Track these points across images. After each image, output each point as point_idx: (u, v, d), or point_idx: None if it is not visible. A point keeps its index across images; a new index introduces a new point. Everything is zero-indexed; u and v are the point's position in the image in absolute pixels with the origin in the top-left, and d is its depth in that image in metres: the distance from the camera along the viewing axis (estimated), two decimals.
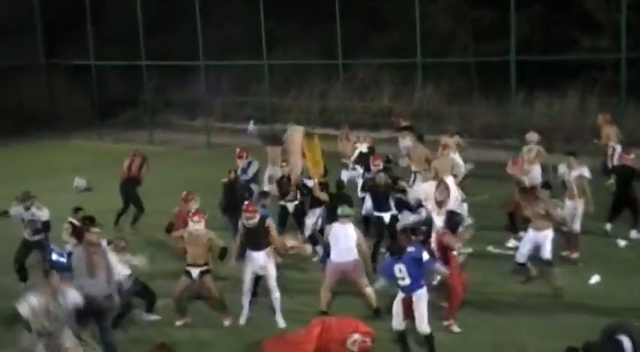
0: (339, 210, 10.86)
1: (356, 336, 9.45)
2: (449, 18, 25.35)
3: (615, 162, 15.32)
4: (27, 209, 12.29)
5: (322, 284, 10.69)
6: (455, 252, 10.38)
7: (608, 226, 13.67)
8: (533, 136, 15.48)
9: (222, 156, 21.78)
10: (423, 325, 9.12)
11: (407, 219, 12.66)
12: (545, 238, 11.18)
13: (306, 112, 27.71)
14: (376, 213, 12.67)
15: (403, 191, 13.11)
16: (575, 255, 12.46)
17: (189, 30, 25.68)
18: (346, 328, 9.65)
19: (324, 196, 12.96)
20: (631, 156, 13.84)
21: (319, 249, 12.84)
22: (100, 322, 9.31)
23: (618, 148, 16.28)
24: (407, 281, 9.07)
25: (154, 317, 10.87)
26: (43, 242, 12.34)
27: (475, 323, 10.33)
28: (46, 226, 12.30)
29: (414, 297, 9.07)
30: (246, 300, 10.58)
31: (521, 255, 11.39)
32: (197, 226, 10.41)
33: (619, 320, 8.99)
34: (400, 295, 9.24)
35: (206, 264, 10.46)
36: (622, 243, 13.20)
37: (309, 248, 12.49)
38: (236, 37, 27.76)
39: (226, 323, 10.50)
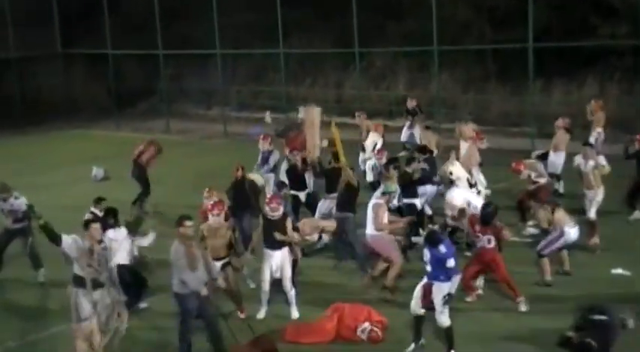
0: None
1: (366, 325, 9.59)
2: (466, 5, 25.18)
3: (600, 147, 15.42)
4: (4, 200, 12.38)
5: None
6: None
7: (637, 214, 13.87)
8: (559, 121, 15.77)
9: (239, 145, 21.86)
10: (441, 317, 9.07)
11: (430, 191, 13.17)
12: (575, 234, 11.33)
13: (323, 101, 27.62)
14: (406, 201, 12.80)
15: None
16: (593, 242, 12.41)
17: (205, 19, 25.69)
18: (359, 316, 9.73)
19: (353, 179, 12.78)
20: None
21: (325, 236, 12.87)
22: (203, 316, 9.22)
23: (602, 136, 16.46)
24: (429, 268, 9.15)
25: (143, 305, 10.88)
26: (24, 229, 12.41)
27: (493, 312, 10.33)
28: (26, 214, 12.24)
29: (435, 287, 9.07)
30: (264, 298, 10.60)
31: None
32: (217, 219, 10.43)
33: (592, 303, 9.15)
34: (424, 280, 9.26)
35: (227, 256, 10.45)
36: None
37: (333, 223, 12.44)
38: (253, 25, 27.71)
39: (242, 316, 10.44)
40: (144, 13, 27.33)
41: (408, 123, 18.91)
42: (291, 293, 10.54)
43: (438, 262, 9.05)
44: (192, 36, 28.15)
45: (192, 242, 9.14)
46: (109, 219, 11.87)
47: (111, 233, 10.83)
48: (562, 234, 11.22)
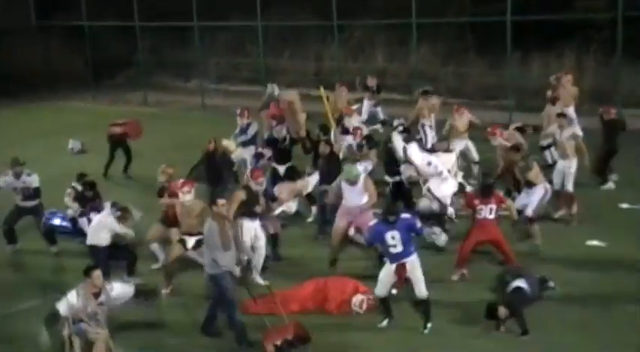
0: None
1: (361, 296, 9.58)
2: None
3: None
4: (17, 177, 12.18)
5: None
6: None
7: (612, 180, 14.16)
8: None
9: (217, 117, 21.76)
10: (421, 288, 9.11)
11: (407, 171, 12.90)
12: (531, 195, 11.45)
13: (302, 73, 27.57)
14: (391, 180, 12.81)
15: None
16: (573, 211, 12.51)
17: None
18: (347, 288, 9.70)
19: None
20: (613, 111, 14.31)
21: (314, 208, 12.90)
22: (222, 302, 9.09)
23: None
24: (399, 249, 9.01)
25: (136, 280, 10.72)
26: (37, 207, 12.30)
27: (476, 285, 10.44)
28: (37, 192, 12.21)
29: (408, 264, 9.04)
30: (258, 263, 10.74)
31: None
32: (187, 197, 10.38)
33: (509, 268, 10.04)
34: (391, 265, 9.12)
35: (200, 233, 10.16)
36: (624, 205, 13.25)
37: (307, 183, 12.48)
38: None
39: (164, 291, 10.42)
40: None
41: (369, 102, 18.94)
42: (262, 257, 10.66)
43: (408, 233, 9.03)
44: (170, 7, 27.83)
45: (226, 221, 9.02)
46: (87, 191, 11.90)
47: (94, 216, 10.90)
48: (546, 190, 11.32)
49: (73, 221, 12.49)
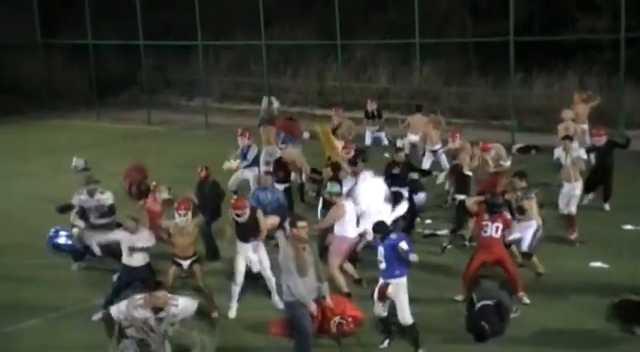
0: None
1: (337, 318, 9.19)
2: None
3: (588, 141, 15.54)
4: (91, 195, 11.94)
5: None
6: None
7: (606, 206, 14.10)
8: (568, 113, 16.05)
9: (220, 136, 21.81)
10: (404, 315, 8.90)
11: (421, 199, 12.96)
12: (525, 229, 11.08)
13: (304, 93, 27.69)
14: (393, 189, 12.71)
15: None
16: (573, 236, 12.49)
17: (187, 8, 25.56)
18: (335, 308, 9.57)
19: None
20: (601, 132, 14.04)
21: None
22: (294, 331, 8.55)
23: (586, 127, 16.58)
24: (383, 266, 8.91)
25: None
26: (110, 224, 11.81)
27: None
28: (111, 210, 11.90)
29: (391, 286, 8.86)
30: (236, 291, 10.33)
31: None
32: (183, 218, 10.11)
33: (483, 286, 9.85)
34: (380, 281, 9.05)
35: (195, 253, 10.27)
36: (627, 227, 13.21)
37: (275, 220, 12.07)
38: (235, 16, 27.63)
39: (214, 315, 9.80)
40: (125, 3, 27.12)
41: (372, 128, 18.89)
42: (272, 282, 10.38)
43: (393, 254, 8.81)
44: (174, 26, 28.02)
45: (305, 245, 8.39)
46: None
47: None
48: (539, 226, 11.24)
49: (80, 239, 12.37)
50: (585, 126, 16.68)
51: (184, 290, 10.17)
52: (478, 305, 9.26)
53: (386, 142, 18.60)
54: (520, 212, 11.18)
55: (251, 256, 10.32)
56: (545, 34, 21.35)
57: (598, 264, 11.50)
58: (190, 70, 28.58)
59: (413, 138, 17.25)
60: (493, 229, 10.30)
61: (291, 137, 16.32)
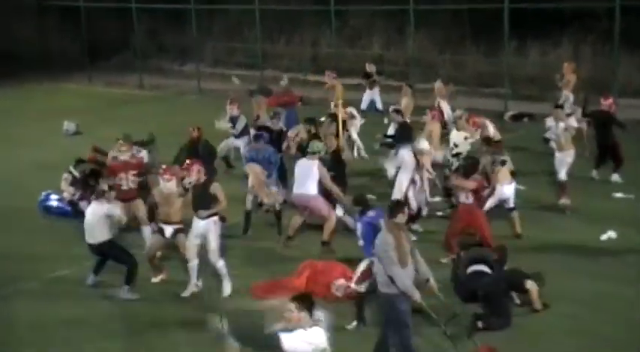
0: (310, 146, 11.12)
1: (341, 281, 9.40)
2: None
3: (569, 109, 15.43)
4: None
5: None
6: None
7: (594, 173, 14.07)
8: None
9: (213, 101, 21.71)
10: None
11: None
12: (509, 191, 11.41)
13: (298, 59, 27.52)
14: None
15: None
16: (563, 201, 12.54)
17: None
18: (334, 273, 9.69)
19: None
20: (608, 101, 14.09)
21: None
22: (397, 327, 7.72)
23: (571, 98, 16.56)
24: (361, 243, 8.79)
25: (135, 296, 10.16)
26: (146, 183, 11.70)
27: None
28: (147, 168, 11.91)
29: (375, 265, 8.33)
30: (193, 270, 9.84)
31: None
32: (168, 184, 9.82)
33: (471, 251, 9.68)
34: (364, 261, 8.89)
35: (180, 221, 9.98)
36: (618, 195, 13.27)
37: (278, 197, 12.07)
38: None
39: (199, 284, 9.95)
40: None
41: (370, 91, 18.78)
42: (219, 265, 9.78)
43: (370, 230, 8.64)
44: None
45: (403, 233, 7.70)
46: (91, 180, 11.77)
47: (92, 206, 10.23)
48: (493, 190, 11.29)
49: (72, 204, 12.38)
50: (568, 93, 16.72)
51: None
52: (470, 269, 9.26)
53: (380, 107, 18.51)
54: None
55: (199, 233, 9.72)
56: (540, 1, 21.19)
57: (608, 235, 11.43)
58: (184, 34, 28.35)
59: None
60: (463, 195, 10.51)
61: (290, 108, 16.29)
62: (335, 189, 11.17)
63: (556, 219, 12.17)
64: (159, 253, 10.39)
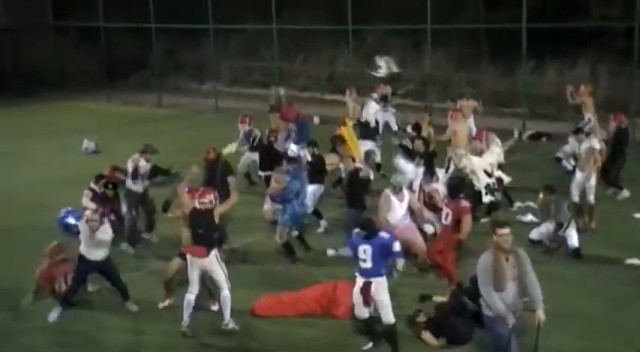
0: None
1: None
2: None
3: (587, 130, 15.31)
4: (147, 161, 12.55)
5: None
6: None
7: (626, 193, 14.09)
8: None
9: (230, 120, 21.79)
10: (387, 314, 8.52)
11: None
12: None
13: (315, 78, 27.63)
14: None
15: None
16: (592, 225, 12.48)
17: None
18: (346, 293, 9.52)
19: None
20: (618, 119, 14.15)
21: (323, 222, 12.81)
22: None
23: (592, 120, 16.20)
24: (368, 265, 8.55)
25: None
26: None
27: None
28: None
29: (374, 284, 8.48)
30: (189, 305, 9.28)
31: (538, 234, 11.40)
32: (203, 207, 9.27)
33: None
34: (359, 282, 8.63)
35: None
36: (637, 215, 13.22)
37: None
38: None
39: (214, 308, 9.71)
40: None
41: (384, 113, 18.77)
42: (225, 293, 9.27)
43: (383, 252, 8.51)
44: (185, 9, 27.94)
45: (508, 255, 7.30)
46: (109, 190, 11.90)
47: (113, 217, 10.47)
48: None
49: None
50: (590, 116, 16.43)
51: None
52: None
53: (395, 127, 18.46)
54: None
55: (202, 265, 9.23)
56: (557, 21, 21.19)
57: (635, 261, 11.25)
58: (201, 53, 28.54)
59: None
60: (443, 216, 10.48)
61: (301, 125, 16.33)
62: None
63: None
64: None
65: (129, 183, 12.32)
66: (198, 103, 26.76)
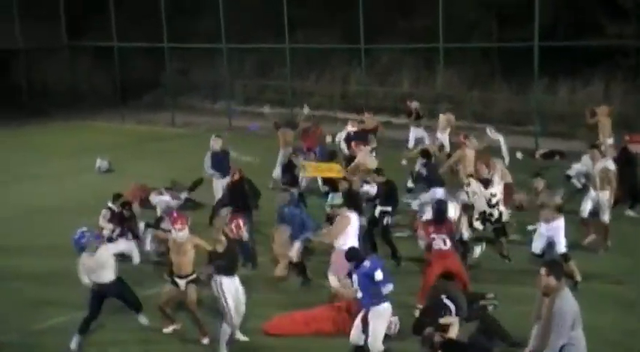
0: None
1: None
2: (472, 3, 25.17)
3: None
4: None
5: None
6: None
7: (630, 212, 14.03)
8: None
9: (244, 139, 21.88)
10: (375, 343, 8.45)
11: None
12: (557, 230, 10.91)
13: (328, 96, 27.70)
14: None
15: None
16: (608, 244, 12.45)
17: (211, 11, 25.71)
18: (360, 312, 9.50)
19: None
20: (629, 138, 14.28)
21: None
22: None
23: (608, 141, 16.12)
24: (359, 295, 8.56)
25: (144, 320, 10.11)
26: None
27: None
28: None
29: (370, 312, 8.46)
30: (226, 333, 9.28)
31: (537, 247, 11.15)
32: (180, 234, 9.43)
33: (439, 283, 9.52)
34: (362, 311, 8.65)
35: (192, 273, 9.60)
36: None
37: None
38: (259, 19, 27.73)
39: (204, 341, 9.52)
40: (150, 6, 27.33)
41: (416, 129, 18.80)
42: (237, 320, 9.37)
43: (367, 282, 8.41)
44: (198, 29, 28.16)
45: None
46: (126, 210, 11.96)
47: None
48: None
49: (110, 241, 12.46)
50: (611, 141, 16.20)
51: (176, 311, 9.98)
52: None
53: (428, 142, 18.35)
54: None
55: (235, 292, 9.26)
56: (570, 39, 21.19)
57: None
58: (215, 73, 28.69)
59: None
60: (441, 242, 10.11)
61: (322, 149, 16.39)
62: None
63: (591, 258, 12.03)
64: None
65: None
66: (212, 122, 26.85)
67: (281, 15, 24.00)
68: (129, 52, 28.92)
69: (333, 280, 10.19)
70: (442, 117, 18.17)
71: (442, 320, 8.46)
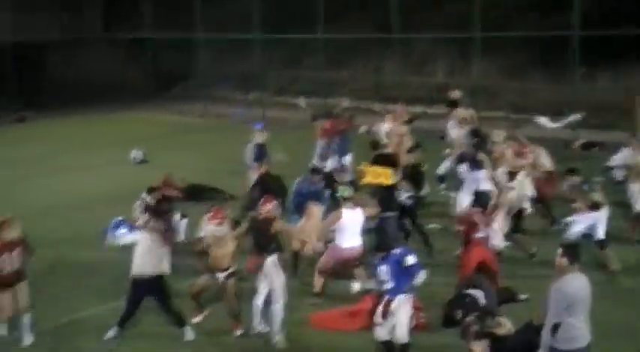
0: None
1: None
2: None
3: None
4: None
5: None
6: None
7: None
8: None
9: (276, 129, 21.74)
10: (402, 332, 8.41)
11: None
12: (597, 219, 10.82)
13: (361, 87, 27.47)
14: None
15: None
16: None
17: (245, 2, 25.61)
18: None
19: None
20: None
21: None
22: None
23: None
24: (389, 285, 8.46)
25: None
26: None
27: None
28: None
29: (395, 303, 8.42)
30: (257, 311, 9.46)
31: (572, 234, 10.90)
32: (219, 228, 9.50)
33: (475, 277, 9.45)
34: (382, 302, 8.52)
35: (229, 266, 9.52)
36: None
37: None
38: (292, 9, 27.56)
39: (238, 332, 9.48)
40: None
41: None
42: (279, 305, 9.25)
43: (398, 268, 8.39)
44: (231, 20, 28.07)
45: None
46: (165, 204, 11.86)
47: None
48: None
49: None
50: None
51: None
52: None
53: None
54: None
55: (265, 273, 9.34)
56: (611, 27, 20.70)
57: None
58: (247, 63, 28.60)
59: None
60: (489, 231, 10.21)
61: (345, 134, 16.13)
62: None
63: (629, 250, 11.73)
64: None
65: None
66: (245, 113, 26.75)
67: (314, 4, 23.79)
68: (162, 43, 28.98)
69: (319, 268, 10.44)
70: (464, 112, 17.04)
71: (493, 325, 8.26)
